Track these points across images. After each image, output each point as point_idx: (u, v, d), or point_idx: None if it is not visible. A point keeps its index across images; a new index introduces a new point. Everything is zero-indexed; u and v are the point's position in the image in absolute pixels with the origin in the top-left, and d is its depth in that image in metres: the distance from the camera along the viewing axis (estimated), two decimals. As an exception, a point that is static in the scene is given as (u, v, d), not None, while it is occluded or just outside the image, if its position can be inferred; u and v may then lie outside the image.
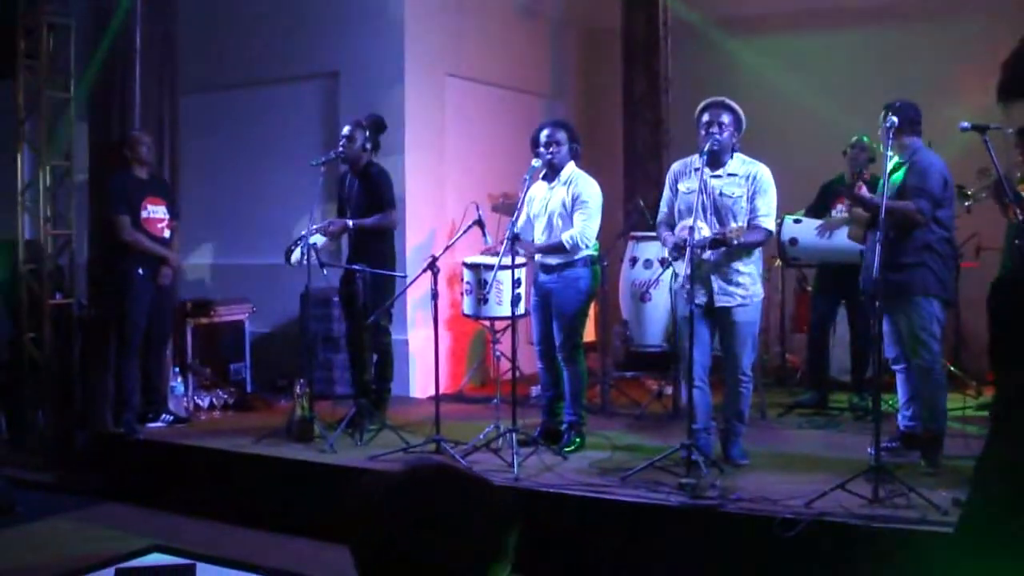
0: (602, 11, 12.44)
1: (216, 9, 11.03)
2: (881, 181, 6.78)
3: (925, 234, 6.95)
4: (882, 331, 6.91)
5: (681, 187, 7.26)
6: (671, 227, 7.25)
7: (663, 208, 7.47)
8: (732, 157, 7.15)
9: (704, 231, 6.77)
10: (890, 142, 6.76)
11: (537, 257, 7.87)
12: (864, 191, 7.11)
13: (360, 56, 10.73)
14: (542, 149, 7.72)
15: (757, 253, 7.21)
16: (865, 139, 8.94)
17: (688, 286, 6.84)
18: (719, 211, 7.05)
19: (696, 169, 7.04)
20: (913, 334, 7.02)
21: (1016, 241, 8.13)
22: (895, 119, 6.68)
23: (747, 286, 7.08)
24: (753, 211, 7.04)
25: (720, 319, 7.15)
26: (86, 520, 8.01)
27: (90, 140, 9.40)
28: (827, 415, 9.05)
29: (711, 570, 6.25)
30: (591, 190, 7.68)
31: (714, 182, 7.08)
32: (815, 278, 9.81)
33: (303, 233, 8.26)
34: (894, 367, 7.43)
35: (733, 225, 6.82)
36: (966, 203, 8.74)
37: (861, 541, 5.78)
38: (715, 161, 7.10)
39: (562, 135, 7.75)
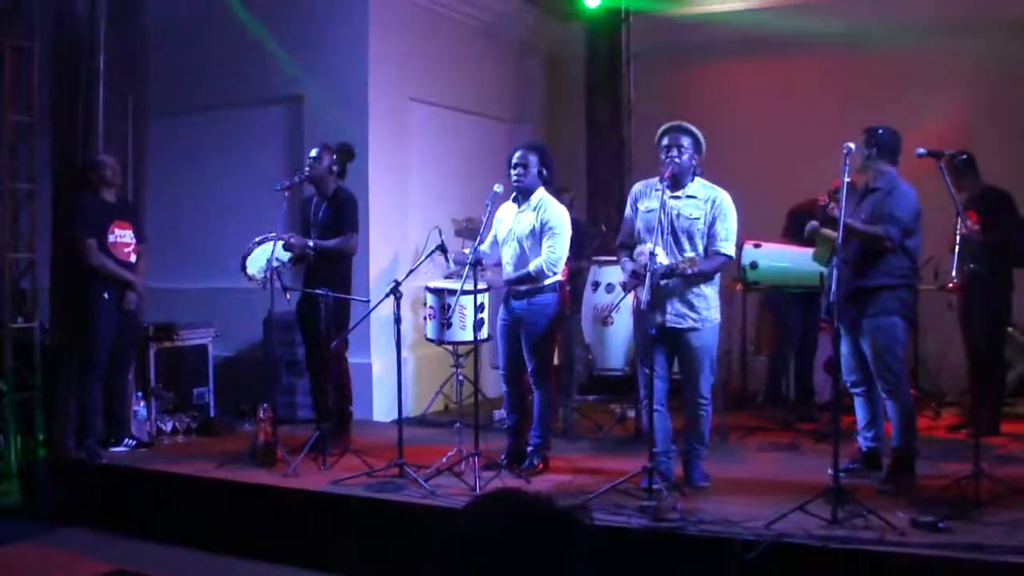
0: (566, 37, 12.53)
1: (181, 33, 11.00)
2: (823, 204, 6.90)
3: (892, 260, 7.06)
4: (839, 354, 7.01)
5: (641, 207, 7.32)
6: (630, 249, 7.30)
7: (623, 228, 7.53)
8: (693, 180, 7.22)
9: (661, 257, 6.80)
10: (849, 167, 6.80)
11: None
12: (836, 210, 7.19)
13: (324, 80, 10.75)
14: (510, 171, 7.78)
15: (715, 277, 7.28)
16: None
17: (647, 310, 6.89)
18: (676, 232, 7.09)
19: (657, 190, 7.10)
20: (877, 357, 7.11)
21: (971, 265, 8.29)
22: (852, 146, 6.75)
23: (700, 309, 7.12)
24: (712, 236, 7.09)
25: (675, 343, 7.20)
26: (48, 545, 7.95)
27: (53, 163, 9.36)
28: (789, 435, 9.13)
29: (672, 592, 6.29)
30: (559, 217, 7.72)
31: (673, 203, 7.14)
32: (784, 302, 9.88)
33: (256, 240, 8.27)
34: (853, 391, 7.52)
35: (687, 254, 6.86)
36: None
37: (819, 562, 5.84)
38: (675, 184, 7.17)
39: (532, 159, 7.79)
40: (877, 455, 7.49)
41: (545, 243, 7.66)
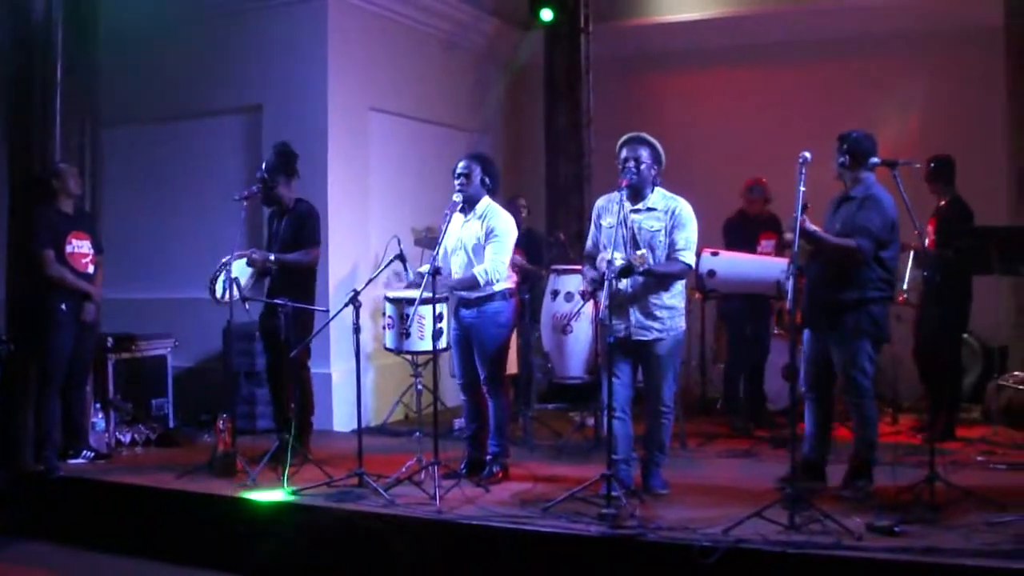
0: (525, 46, 12.57)
1: (139, 41, 10.93)
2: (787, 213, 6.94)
3: (866, 272, 7.01)
4: (794, 359, 7.03)
5: (604, 222, 7.34)
6: (594, 259, 7.32)
7: (588, 243, 7.56)
8: (653, 191, 7.24)
9: (618, 261, 6.83)
10: (805, 176, 6.79)
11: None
12: (808, 224, 6.96)
13: (283, 90, 10.74)
14: (454, 181, 7.81)
15: (680, 287, 7.29)
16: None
17: (607, 316, 6.93)
18: (638, 245, 7.12)
19: (618, 204, 7.14)
20: (845, 371, 7.12)
21: (924, 274, 8.35)
22: (808, 155, 6.71)
23: (665, 320, 7.16)
24: (672, 245, 7.13)
25: (639, 352, 7.24)
26: (7, 559, 7.88)
27: (9, 173, 9.29)
28: (747, 442, 9.22)
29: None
30: (503, 224, 7.75)
31: (634, 216, 7.18)
32: (737, 309, 9.93)
33: (224, 260, 8.24)
34: (807, 395, 7.51)
35: (638, 251, 6.90)
36: None
37: (777, 567, 5.87)
38: (636, 195, 7.20)
39: (475, 168, 7.82)
40: (816, 464, 7.45)
41: (488, 249, 7.69)
